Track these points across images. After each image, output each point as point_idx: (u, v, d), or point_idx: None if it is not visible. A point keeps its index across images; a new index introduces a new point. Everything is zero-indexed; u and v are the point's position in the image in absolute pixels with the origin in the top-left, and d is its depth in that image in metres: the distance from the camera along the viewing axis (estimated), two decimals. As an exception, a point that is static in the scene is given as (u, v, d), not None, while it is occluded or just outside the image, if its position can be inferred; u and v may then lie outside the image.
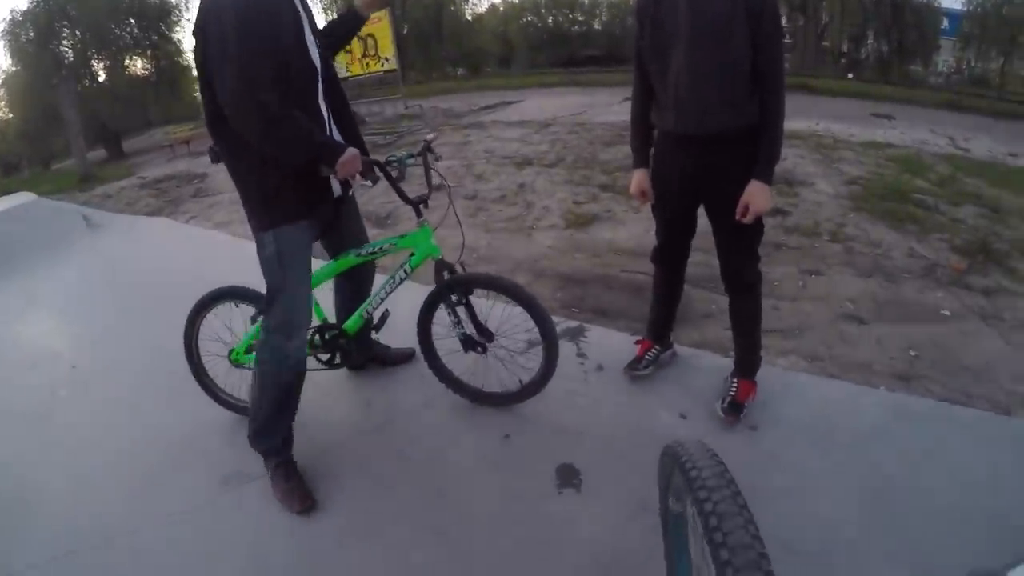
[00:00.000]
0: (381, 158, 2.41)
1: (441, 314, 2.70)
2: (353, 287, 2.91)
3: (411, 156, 2.57)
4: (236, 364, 2.92)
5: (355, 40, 17.49)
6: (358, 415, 3.02)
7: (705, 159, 2.42)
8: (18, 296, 5.52)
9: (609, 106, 14.78)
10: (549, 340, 2.55)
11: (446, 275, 2.61)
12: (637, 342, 3.11)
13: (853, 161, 8.15)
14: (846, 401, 2.79)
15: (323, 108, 2.29)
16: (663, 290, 2.94)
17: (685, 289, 2.99)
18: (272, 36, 2.02)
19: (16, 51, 29.29)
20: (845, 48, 33.10)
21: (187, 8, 28.89)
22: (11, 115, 35.32)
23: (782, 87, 2.30)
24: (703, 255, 2.86)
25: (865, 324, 3.59)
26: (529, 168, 8.05)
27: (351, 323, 2.78)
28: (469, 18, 42.41)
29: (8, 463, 3.01)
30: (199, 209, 8.28)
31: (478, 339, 2.70)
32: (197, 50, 2.05)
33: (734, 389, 2.70)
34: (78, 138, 17.17)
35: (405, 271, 2.63)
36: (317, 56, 2.24)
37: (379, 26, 17.18)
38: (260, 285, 2.45)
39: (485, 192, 6.96)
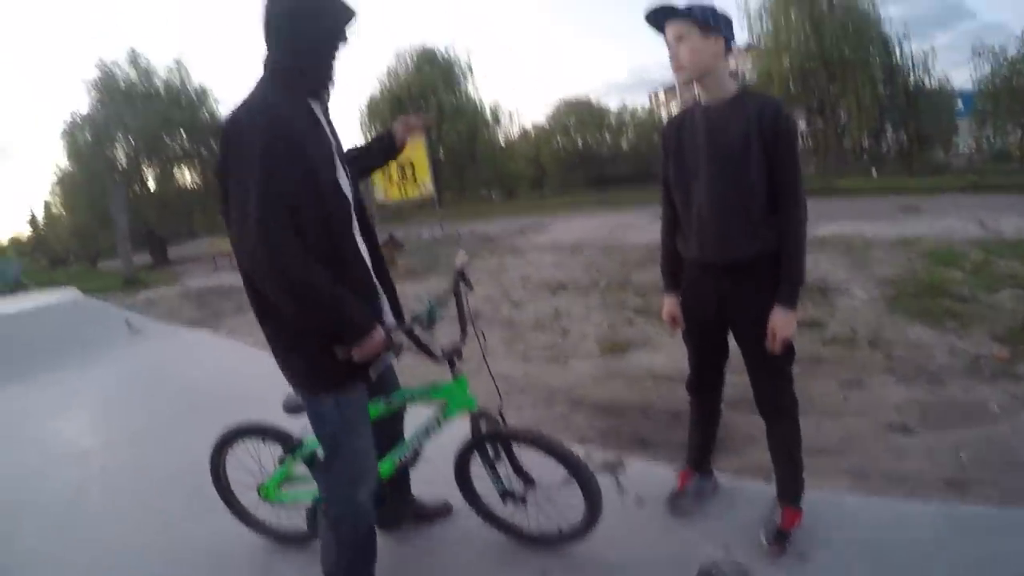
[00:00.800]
0: (406, 318, 2.33)
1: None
2: (383, 432, 2.59)
3: (440, 301, 2.51)
4: (266, 499, 2.85)
5: (393, 165, 18.32)
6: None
7: (729, 286, 2.48)
8: (56, 391, 5.78)
9: (639, 226, 15.06)
10: (592, 500, 2.47)
11: (483, 425, 2.53)
12: (677, 474, 3.10)
13: (885, 261, 8.20)
14: (899, 518, 2.70)
15: (361, 245, 2.17)
16: (700, 418, 2.95)
17: (724, 413, 2.98)
18: (302, 179, 1.89)
19: (73, 152, 31.48)
20: (865, 144, 33.54)
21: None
22: (64, 212, 37.15)
23: (801, 209, 2.36)
24: (740, 376, 2.89)
25: (912, 433, 3.52)
26: (564, 293, 8.23)
27: (384, 468, 2.58)
28: (502, 143, 43.93)
29: (31, 555, 3.05)
30: (240, 324, 8.43)
31: (517, 491, 2.61)
32: (220, 188, 1.93)
33: (778, 517, 2.63)
34: (125, 241, 17.82)
35: (438, 421, 2.54)
36: (349, 187, 2.13)
37: (416, 152, 17.98)
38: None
39: (521, 319, 7.11)
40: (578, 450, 3.59)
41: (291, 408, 2.37)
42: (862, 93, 29.52)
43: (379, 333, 1.99)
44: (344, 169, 2.12)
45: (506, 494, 2.62)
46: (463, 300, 2.52)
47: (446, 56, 40.54)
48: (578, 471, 2.44)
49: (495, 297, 8.47)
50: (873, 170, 30.76)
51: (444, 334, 2.54)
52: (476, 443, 2.57)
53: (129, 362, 6.97)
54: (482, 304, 8.08)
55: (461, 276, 2.54)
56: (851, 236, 10.61)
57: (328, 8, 2.00)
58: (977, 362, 4.29)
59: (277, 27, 1.96)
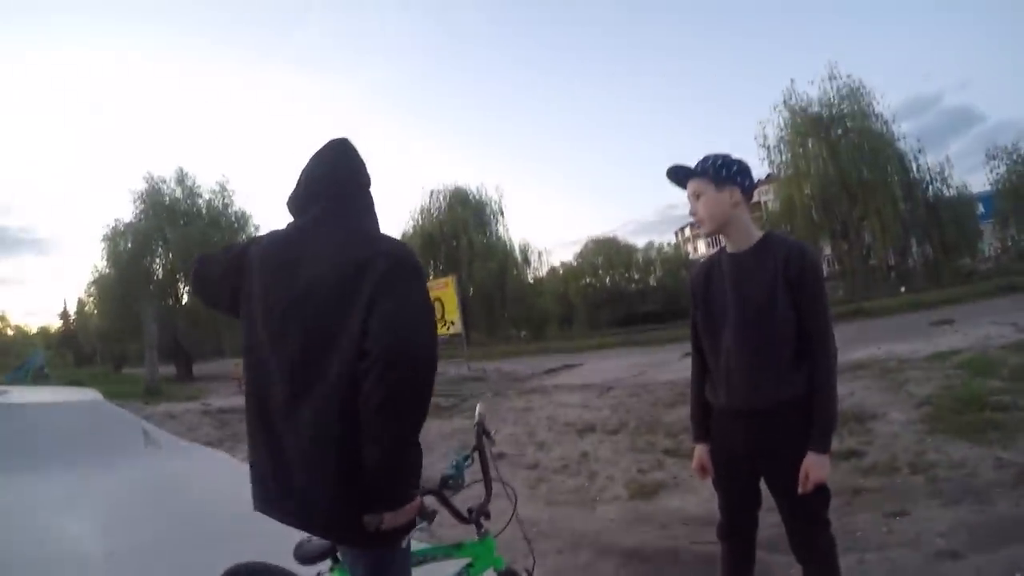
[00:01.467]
0: (435, 478, 2.15)
1: None
2: None
3: (467, 458, 2.34)
4: None
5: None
6: None
7: (759, 433, 2.44)
8: (65, 490, 5.67)
9: (669, 364, 14.98)
10: None
11: None
12: None
13: (921, 380, 8.03)
14: None
15: None
16: (733, 566, 2.79)
17: (760, 556, 2.84)
18: None
19: (112, 256, 32.73)
20: (892, 262, 33.73)
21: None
22: (96, 311, 37.94)
23: (831, 354, 2.36)
24: (776, 515, 2.76)
25: (962, 558, 3.33)
26: (591, 435, 8.06)
27: None
28: (531, 281, 44.62)
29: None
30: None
31: None
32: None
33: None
34: (152, 351, 18.00)
35: None
36: None
37: (446, 291, 18.29)
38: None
39: (547, 462, 6.93)
40: None
41: (306, 557, 2.25)
42: (884, 212, 30.10)
43: (419, 499, 1.83)
44: None
45: None
46: (487, 455, 2.38)
47: (477, 196, 42.05)
48: None
49: (521, 438, 8.33)
50: (902, 288, 30.80)
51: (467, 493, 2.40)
52: None
53: (142, 473, 6.86)
54: (507, 445, 7.93)
55: (481, 429, 2.43)
56: (884, 358, 10.50)
57: None
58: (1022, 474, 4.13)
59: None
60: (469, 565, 2.32)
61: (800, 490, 2.33)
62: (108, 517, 5.24)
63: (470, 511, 2.22)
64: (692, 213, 2.52)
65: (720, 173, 2.42)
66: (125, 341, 32.56)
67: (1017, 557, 3.20)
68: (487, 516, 2.28)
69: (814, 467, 2.31)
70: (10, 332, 68.78)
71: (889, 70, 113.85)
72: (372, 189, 2.12)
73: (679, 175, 2.52)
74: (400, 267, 1.82)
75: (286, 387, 1.88)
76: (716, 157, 2.46)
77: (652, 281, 49.90)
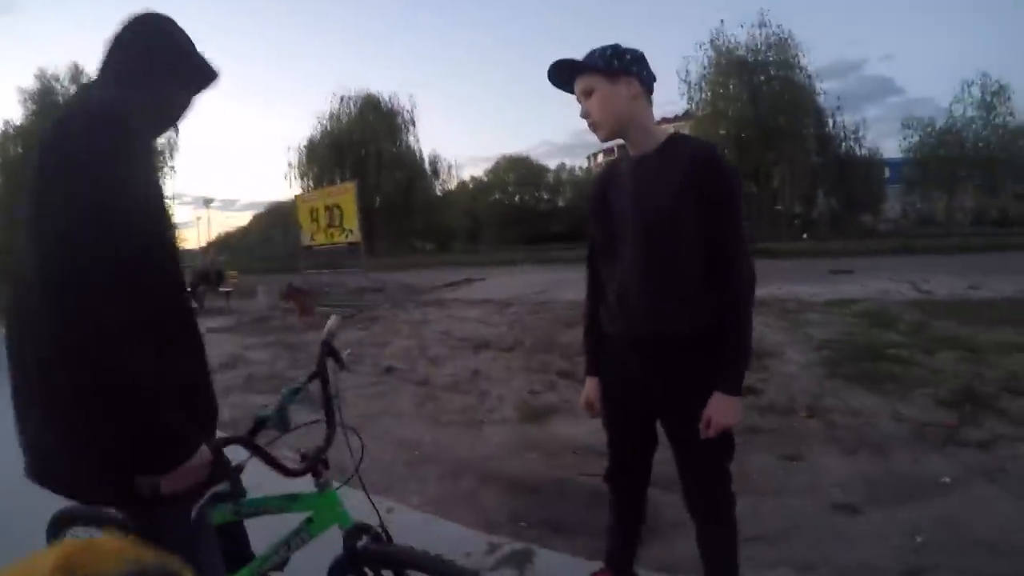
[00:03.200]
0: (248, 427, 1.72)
1: None
2: (231, 543, 1.97)
3: (297, 391, 1.84)
4: None
5: (322, 208, 17.83)
6: None
7: (657, 367, 2.09)
8: None
9: (572, 284, 14.81)
10: None
11: (362, 543, 1.81)
12: (595, 575, 2.62)
13: (820, 323, 8.14)
14: None
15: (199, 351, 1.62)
16: (622, 513, 2.50)
17: (651, 494, 2.54)
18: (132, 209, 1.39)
19: (1, 162, 32.09)
20: (798, 210, 35.02)
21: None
22: None
23: (745, 277, 2.02)
24: (669, 452, 2.44)
25: (860, 513, 3.19)
26: (485, 352, 7.77)
27: None
28: (439, 194, 44.08)
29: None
30: None
31: None
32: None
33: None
34: None
35: (302, 539, 1.88)
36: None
37: (345, 197, 17.47)
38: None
39: (437, 378, 6.59)
40: (484, 539, 3.16)
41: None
42: (796, 161, 31.15)
43: (202, 455, 1.43)
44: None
45: None
46: (332, 386, 1.88)
47: (389, 105, 40.77)
48: None
49: (412, 353, 7.96)
50: (804, 235, 32.07)
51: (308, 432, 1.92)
52: (350, 565, 1.85)
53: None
54: (398, 359, 7.57)
55: (329, 351, 1.91)
56: (784, 298, 10.64)
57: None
58: (923, 430, 4.09)
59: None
60: (308, 520, 1.86)
61: (702, 435, 2.00)
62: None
63: (303, 457, 1.73)
64: (585, 116, 2.10)
65: (612, 63, 2.02)
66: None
67: (916, 517, 3.07)
68: (325, 464, 1.79)
69: (721, 410, 1.98)
70: None
71: (818, 28, 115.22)
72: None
73: (564, 73, 2.09)
74: (80, 126, 1.40)
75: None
76: (606, 47, 2.05)
77: (561, 202, 49.99)
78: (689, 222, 1.97)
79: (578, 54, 2.06)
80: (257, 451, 1.61)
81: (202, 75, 1.74)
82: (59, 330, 1.31)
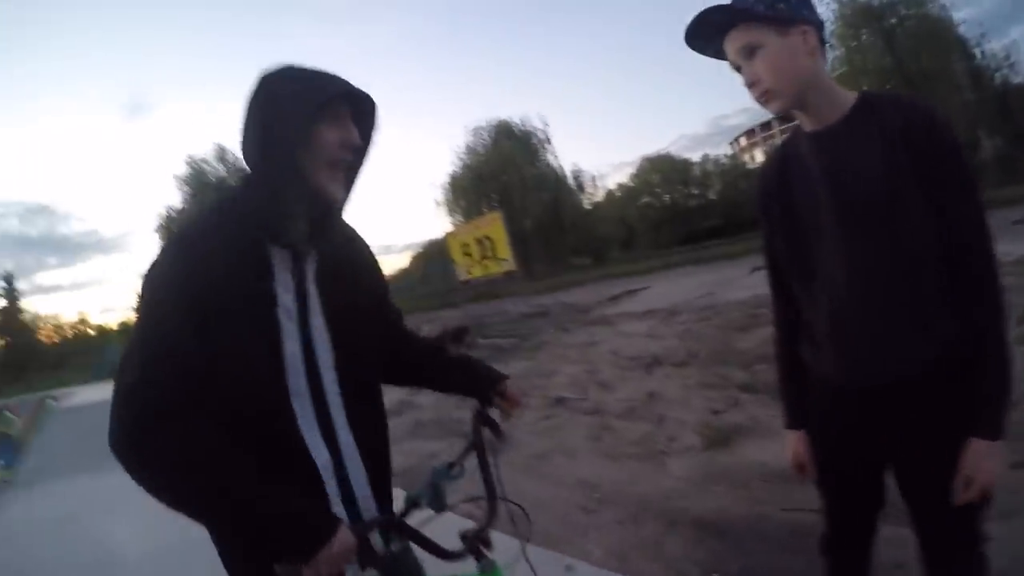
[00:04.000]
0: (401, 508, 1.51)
1: None
2: None
3: (452, 465, 1.62)
4: None
5: (473, 242, 18.08)
6: None
7: (891, 413, 1.61)
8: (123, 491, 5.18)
9: (737, 281, 14.09)
10: None
11: None
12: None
13: (1019, 287, 6.68)
14: None
15: (314, 438, 1.47)
16: None
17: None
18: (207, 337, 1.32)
19: None
20: None
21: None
22: None
23: (996, 280, 1.49)
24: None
25: None
26: (659, 370, 7.37)
27: None
28: (588, 207, 44.00)
29: None
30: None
31: None
32: None
33: None
34: None
35: None
36: (300, 357, 1.46)
37: (494, 227, 17.60)
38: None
39: (610, 405, 6.30)
40: None
41: None
42: (949, 102, 27.89)
43: (342, 539, 1.28)
44: (302, 334, 1.47)
45: None
46: (488, 457, 1.67)
47: (522, 128, 41.23)
48: None
49: (582, 379, 7.72)
50: None
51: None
52: None
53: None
54: (567, 388, 7.36)
55: (483, 420, 1.72)
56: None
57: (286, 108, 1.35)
58: None
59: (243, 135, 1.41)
60: None
61: (958, 497, 1.51)
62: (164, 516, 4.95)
63: (463, 537, 1.51)
64: (751, 82, 1.55)
65: (779, 8, 1.48)
66: None
67: None
68: (486, 543, 1.53)
69: (982, 463, 1.48)
70: (91, 332, 71.07)
71: None
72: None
73: (712, 24, 1.54)
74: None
75: None
76: None
77: (712, 195, 48.31)
78: (912, 211, 1.49)
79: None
80: (410, 534, 1.43)
81: (312, 96, 1.37)
82: None
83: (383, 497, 1.61)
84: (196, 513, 1.30)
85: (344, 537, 1.28)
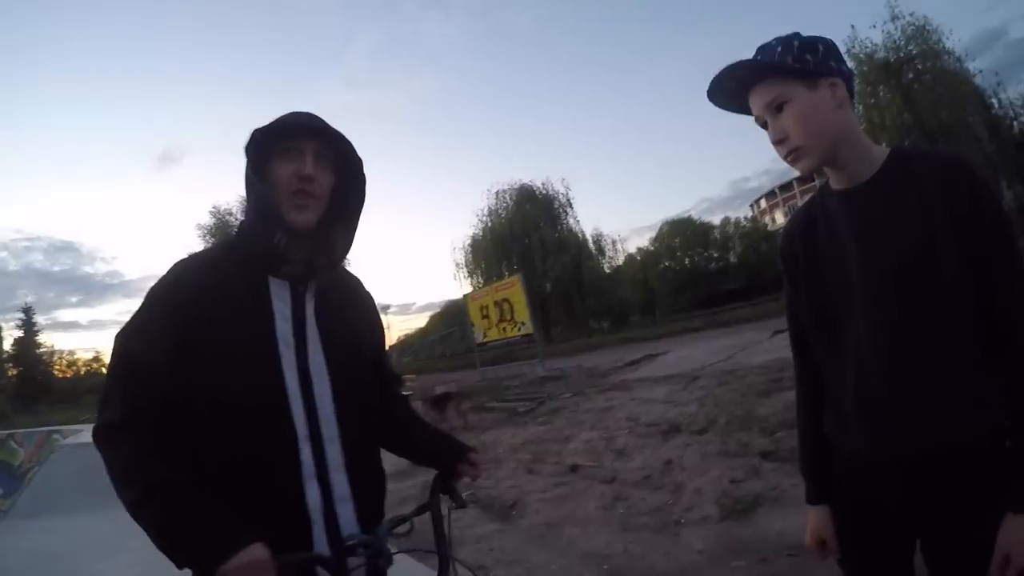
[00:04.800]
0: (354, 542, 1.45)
1: None
2: None
3: (403, 520, 1.61)
4: None
5: (491, 305, 18.07)
6: None
7: (923, 488, 1.45)
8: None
9: (758, 344, 13.89)
10: None
11: None
12: None
13: None
14: None
15: (307, 475, 1.44)
16: None
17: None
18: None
19: None
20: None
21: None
22: None
23: None
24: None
25: None
26: (677, 437, 7.15)
27: None
28: (608, 271, 44.05)
29: None
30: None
31: None
32: None
33: None
34: None
35: None
36: (296, 377, 1.46)
37: (513, 291, 17.59)
38: None
39: (626, 473, 6.09)
40: None
41: None
42: (969, 152, 27.72)
43: (253, 555, 1.22)
44: (299, 366, 1.47)
45: None
46: (444, 523, 1.64)
47: (544, 191, 41.78)
48: None
49: (597, 446, 7.51)
50: None
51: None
52: None
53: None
54: (581, 454, 7.17)
55: (442, 487, 1.72)
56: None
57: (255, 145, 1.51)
58: None
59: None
60: None
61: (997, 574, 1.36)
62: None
63: None
64: (779, 139, 1.48)
65: (806, 59, 1.42)
66: None
67: None
68: None
69: (1019, 539, 1.34)
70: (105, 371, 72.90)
71: (948, 5, 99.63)
72: None
73: (737, 80, 1.49)
74: None
75: None
76: (789, 38, 1.45)
77: (732, 258, 48.37)
78: (949, 270, 1.37)
79: (710, 107, 1.55)
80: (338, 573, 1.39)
81: (263, 135, 1.49)
82: None
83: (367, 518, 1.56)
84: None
85: (255, 556, 1.23)
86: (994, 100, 29.98)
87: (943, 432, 1.41)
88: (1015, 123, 30.06)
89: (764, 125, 1.51)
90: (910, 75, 29.87)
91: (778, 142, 1.48)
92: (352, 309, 1.66)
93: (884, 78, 30.01)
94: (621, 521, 4.82)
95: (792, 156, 1.48)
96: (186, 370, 1.35)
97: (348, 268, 1.72)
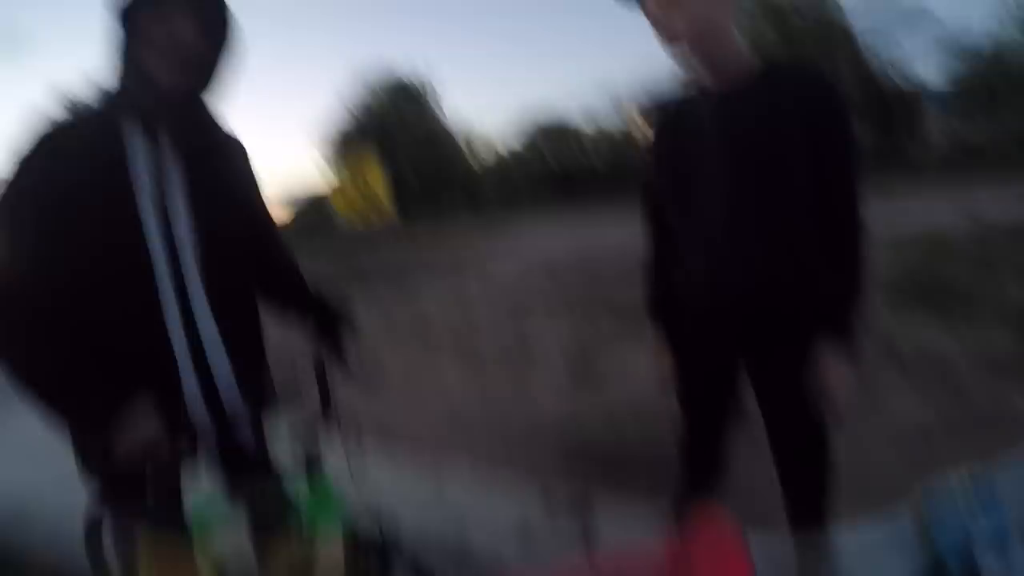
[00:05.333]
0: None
1: None
2: None
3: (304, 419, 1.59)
4: None
5: (354, 191, 17.67)
6: None
7: (760, 338, 1.74)
8: None
9: (616, 240, 14.46)
10: None
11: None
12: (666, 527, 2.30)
13: (877, 257, 7.56)
14: None
15: (172, 325, 1.41)
16: (695, 481, 2.08)
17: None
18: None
19: None
20: None
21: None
22: None
23: (864, 224, 1.66)
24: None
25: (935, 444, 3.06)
26: (532, 316, 7.50)
27: None
28: (474, 167, 44.05)
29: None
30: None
31: None
32: None
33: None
34: None
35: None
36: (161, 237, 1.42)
37: (374, 176, 17.28)
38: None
39: (484, 349, 6.35)
40: (540, 491, 3.02)
41: None
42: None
43: (140, 423, 1.30)
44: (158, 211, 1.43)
45: None
46: (326, 375, 1.67)
47: (415, 84, 40.61)
48: None
49: (456, 323, 7.74)
50: None
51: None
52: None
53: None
54: (441, 332, 7.36)
55: (329, 340, 1.76)
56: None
57: None
58: (997, 363, 3.84)
59: None
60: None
61: (816, 415, 1.68)
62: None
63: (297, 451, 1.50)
64: (667, 35, 1.62)
65: None
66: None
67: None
68: (316, 464, 1.51)
69: (836, 380, 1.63)
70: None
71: None
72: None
73: None
74: None
75: None
76: None
77: (599, 163, 49.37)
78: (803, 165, 1.60)
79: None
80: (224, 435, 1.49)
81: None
82: None
83: (253, 392, 1.57)
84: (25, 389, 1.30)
85: (144, 420, 1.31)
86: (868, 55, 32.11)
87: (782, 289, 1.66)
88: (882, 77, 32.24)
89: (645, 9, 1.64)
90: (798, 21, 31.22)
91: (662, 26, 1.61)
92: (220, 156, 1.61)
93: (775, 22, 31.31)
94: (480, 390, 5.08)
95: (672, 42, 1.62)
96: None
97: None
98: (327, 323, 1.77)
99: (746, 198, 1.64)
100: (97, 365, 1.32)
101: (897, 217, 11.96)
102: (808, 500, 1.84)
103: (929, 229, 9.92)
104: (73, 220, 1.32)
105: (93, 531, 2.05)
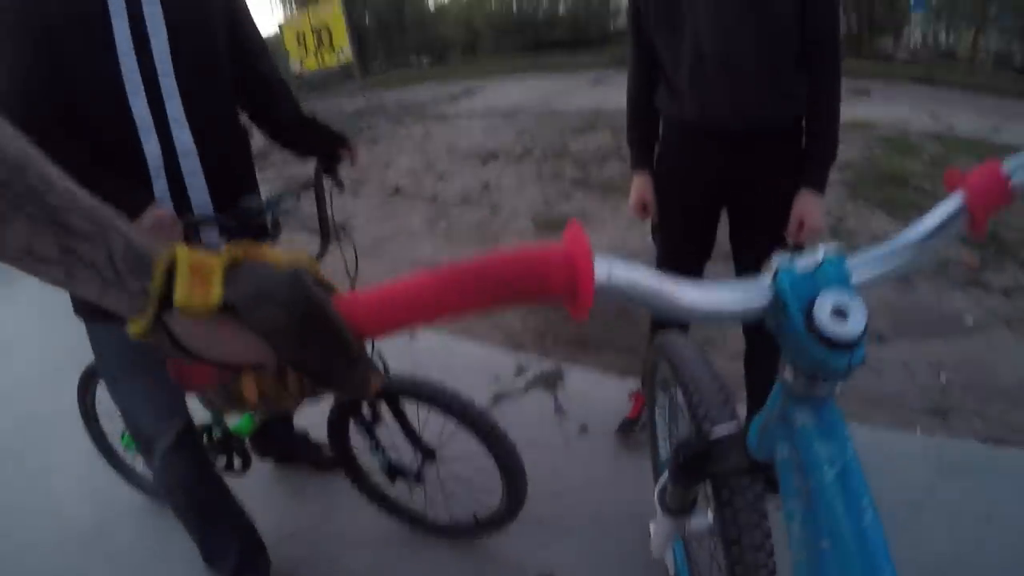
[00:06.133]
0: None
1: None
2: None
3: (289, 195, 1.68)
4: (127, 448, 2.27)
5: (309, 32, 16.74)
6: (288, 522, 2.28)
7: (739, 160, 1.82)
8: None
9: (577, 91, 14.13)
10: (512, 479, 1.76)
11: None
12: (631, 396, 2.48)
13: (840, 143, 7.63)
14: (881, 454, 2.19)
15: (144, 130, 1.40)
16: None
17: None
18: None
19: None
20: None
21: None
22: None
23: (839, 63, 1.74)
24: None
25: (887, 342, 3.07)
26: (495, 163, 7.37)
27: (241, 424, 2.06)
28: (432, 7, 41.80)
29: None
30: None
31: (407, 467, 1.93)
32: None
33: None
34: None
35: None
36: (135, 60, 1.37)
37: (331, 16, 16.26)
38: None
39: (447, 194, 6.29)
40: (511, 359, 3.03)
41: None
42: None
43: (157, 214, 1.35)
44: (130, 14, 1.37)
45: (393, 470, 1.94)
46: (325, 199, 1.79)
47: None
48: (490, 438, 1.71)
49: (419, 170, 7.59)
50: None
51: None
52: (347, 401, 1.83)
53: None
54: (404, 178, 7.23)
55: (325, 167, 1.80)
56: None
57: None
58: (946, 266, 3.85)
59: None
60: None
61: (792, 239, 1.76)
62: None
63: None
64: None
65: None
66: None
67: (940, 353, 2.95)
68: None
69: (811, 209, 1.74)
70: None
71: None
72: None
73: None
74: None
75: None
76: None
77: (561, 10, 47.35)
78: (788, 16, 1.66)
79: None
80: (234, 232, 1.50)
81: None
82: None
83: (227, 203, 1.56)
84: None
85: (156, 214, 1.34)
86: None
87: (764, 110, 1.73)
88: None
89: None
90: None
91: None
92: None
93: None
94: (444, 235, 5.08)
95: None
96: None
97: None
98: (322, 141, 1.81)
99: (736, 28, 1.68)
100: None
101: (864, 106, 12.00)
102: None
103: (896, 123, 9.96)
104: (48, 31, 1.29)
105: (85, 383, 2.18)
